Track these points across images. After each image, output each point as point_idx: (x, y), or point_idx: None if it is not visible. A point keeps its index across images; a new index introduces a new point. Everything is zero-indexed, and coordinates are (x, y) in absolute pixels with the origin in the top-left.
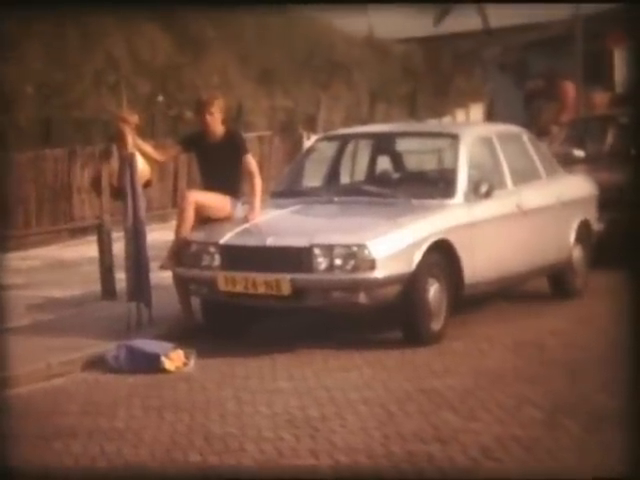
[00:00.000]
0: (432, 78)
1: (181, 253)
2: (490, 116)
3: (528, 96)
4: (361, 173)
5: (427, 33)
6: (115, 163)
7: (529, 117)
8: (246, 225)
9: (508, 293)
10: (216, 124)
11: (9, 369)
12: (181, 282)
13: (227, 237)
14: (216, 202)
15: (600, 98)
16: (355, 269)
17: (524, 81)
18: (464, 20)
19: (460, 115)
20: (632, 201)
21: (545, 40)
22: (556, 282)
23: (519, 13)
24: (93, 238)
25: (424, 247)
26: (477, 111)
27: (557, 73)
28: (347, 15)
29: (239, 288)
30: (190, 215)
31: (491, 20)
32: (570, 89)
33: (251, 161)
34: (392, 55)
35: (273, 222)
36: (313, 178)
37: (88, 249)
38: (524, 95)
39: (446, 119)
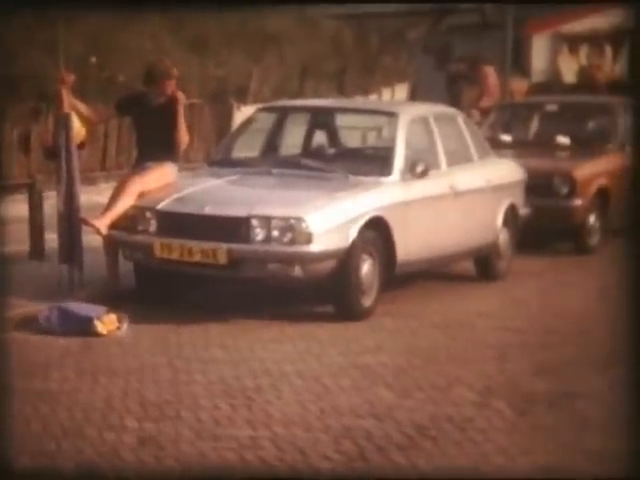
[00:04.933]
0: (360, 56)
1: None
2: (413, 97)
3: (450, 79)
4: (299, 146)
5: (355, 10)
6: (49, 123)
7: (451, 100)
8: (184, 192)
9: (435, 273)
10: (166, 93)
11: None
12: (112, 246)
13: (164, 203)
14: (158, 182)
15: (518, 85)
16: (292, 242)
17: (447, 64)
18: None
19: (386, 94)
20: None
21: (468, 24)
22: (482, 264)
23: None
24: (19, 197)
25: (360, 223)
26: (402, 91)
27: (479, 57)
28: None
29: (175, 255)
30: (128, 203)
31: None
32: (491, 74)
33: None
34: (322, 31)
35: (211, 190)
36: (251, 149)
37: (14, 208)
38: (446, 78)
39: (372, 97)
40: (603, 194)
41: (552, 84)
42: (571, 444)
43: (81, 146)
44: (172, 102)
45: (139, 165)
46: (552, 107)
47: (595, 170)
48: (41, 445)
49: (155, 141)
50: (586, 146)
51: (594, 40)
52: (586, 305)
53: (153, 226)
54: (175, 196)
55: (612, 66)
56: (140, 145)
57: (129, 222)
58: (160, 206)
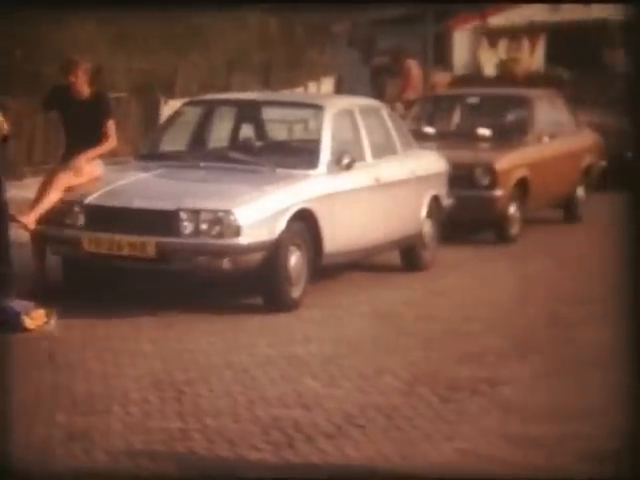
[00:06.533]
0: (286, 50)
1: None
2: (339, 90)
3: (374, 72)
4: (226, 140)
5: (280, 2)
6: None
7: (375, 93)
8: (112, 186)
9: (362, 264)
10: (82, 85)
11: None
12: (39, 241)
13: (92, 197)
14: (86, 176)
15: (440, 78)
16: (220, 235)
17: (371, 57)
18: None
19: (312, 88)
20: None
21: (393, 18)
22: (407, 255)
23: None
24: None
25: (287, 215)
26: (328, 84)
27: (402, 51)
28: None
29: (103, 249)
30: (55, 197)
31: None
32: (413, 67)
33: (111, 126)
34: (247, 24)
35: (139, 184)
36: (179, 142)
37: None
38: (370, 71)
39: (299, 91)
40: (523, 184)
41: (473, 77)
42: (492, 430)
43: (4, 139)
44: (98, 98)
45: (66, 159)
46: (473, 99)
47: (515, 161)
48: None
49: (82, 135)
50: (506, 137)
51: (512, 34)
52: (507, 293)
53: (81, 220)
54: (103, 190)
55: (530, 59)
56: (67, 139)
57: (57, 217)
58: (88, 200)
